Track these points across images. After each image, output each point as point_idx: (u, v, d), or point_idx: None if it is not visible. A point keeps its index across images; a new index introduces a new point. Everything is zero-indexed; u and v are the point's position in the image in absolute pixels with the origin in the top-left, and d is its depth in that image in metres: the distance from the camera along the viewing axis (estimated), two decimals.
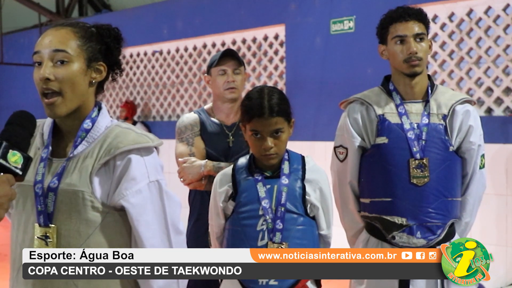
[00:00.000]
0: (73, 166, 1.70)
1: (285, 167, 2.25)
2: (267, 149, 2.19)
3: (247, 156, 2.32)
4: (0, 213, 1.38)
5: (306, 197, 2.24)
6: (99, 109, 1.79)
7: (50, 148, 1.74)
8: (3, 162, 1.40)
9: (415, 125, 2.51)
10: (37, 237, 1.68)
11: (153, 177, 1.75)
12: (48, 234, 1.68)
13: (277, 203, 2.20)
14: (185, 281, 1.81)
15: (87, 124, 1.74)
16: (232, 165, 2.33)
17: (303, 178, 2.25)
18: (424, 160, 2.48)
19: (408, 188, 2.49)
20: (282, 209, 2.19)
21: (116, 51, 1.81)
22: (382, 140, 2.53)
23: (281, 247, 2.16)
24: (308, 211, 2.25)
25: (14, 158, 1.42)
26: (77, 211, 1.68)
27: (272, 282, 2.15)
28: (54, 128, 1.77)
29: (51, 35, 1.72)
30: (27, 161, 1.44)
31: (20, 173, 1.43)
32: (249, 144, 2.27)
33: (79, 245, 1.67)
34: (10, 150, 1.41)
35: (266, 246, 2.17)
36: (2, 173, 1.40)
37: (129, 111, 7.75)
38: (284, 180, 2.23)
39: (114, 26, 1.83)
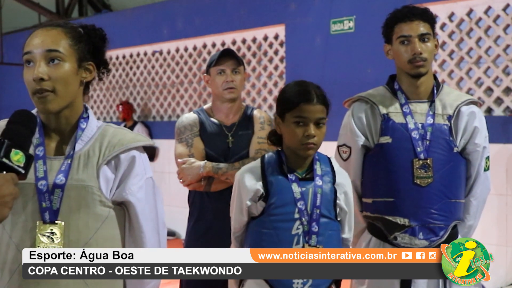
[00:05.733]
0: (77, 163, 1.73)
1: (318, 168, 2.18)
2: (310, 136, 2.10)
3: (274, 154, 2.22)
4: (5, 211, 1.39)
5: (337, 201, 2.18)
6: (86, 109, 1.84)
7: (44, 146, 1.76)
8: (6, 161, 1.41)
9: (420, 125, 2.49)
10: (41, 234, 1.68)
11: (148, 174, 1.84)
12: (54, 231, 1.69)
13: (312, 205, 2.13)
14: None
15: (83, 123, 1.79)
16: (258, 161, 2.23)
17: (333, 182, 2.19)
18: (428, 161, 2.46)
19: (411, 189, 2.47)
20: (318, 211, 2.12)
21: (103, 51, 1.85)
22: (386, 139, 2.51)
23: None
24: (337, 215, 2.19)
25: (17, 157, 1.42)
26: (86, 205, 1.71)
27: (307, 287, 2.06)
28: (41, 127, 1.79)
29: (42, 35, 1.73)
30: (29, 159, 1.45)
31: (23, 171, 1.44)
32: (288, 135, 2.15)
33: (88, 239, 1.70)
34: (13, 149, 1.42)
35: None
36: (5, 172, 1.41)
37: (124, 112, 7.70)
38: (318, 182, 2.16)
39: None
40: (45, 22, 1.94)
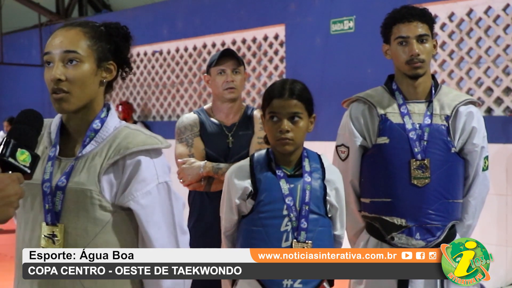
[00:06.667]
0: (81, 165, 1.71)
1: (306, 165, 2.18)
2: (283, 131, 2.10)
3: (263, 152, 2.23)
4: (10, 211, 1.39)
5: (327, 197, 2.18)
6: (108, 109, 1.80)
7: (58, 147, 1.75)
8: (12, 161, 1.41)
9: (417, 125, 2.49)
10: (44, 235, 1.69)
11: (162, 179, 1.75)
12: (55, 233, 1.68)
13: (301, 201, 2.13)
14: (190, 281, 1.82)
15: (96, 124, 1.75)
16: (247, 159, 2.24)
17: (323, 178, 2.19)
18: (425, 161, 2.46)
19: (408, 189, 2.47)
20: (307, 207, 2.12)
21: (125, 50, 1.81)
22: (383, 140, 2.51)
23: (306, 247, 2.10)
24: (328, 211, 2.19)
25: (23, 157, 1.42)
26: (85, 209, 1.68)
27: (297, 284, 2.08)
28: (61, 127, 1.78)
29: (61, 35, 1.72)
30: (35, 159, 1.45)
31: (29, 171, 1.44)
32: (267, 131, 2.18)
33: (87, 243, 1.68)
34: (19, 149, 1.42)
35: (290, 246, 2.10)
36: (11, 172, 1.41)
37: (124, 112, 7.71)
38: (307, 178, 2.16)
39: None
40: (67, 22, 1.95)
